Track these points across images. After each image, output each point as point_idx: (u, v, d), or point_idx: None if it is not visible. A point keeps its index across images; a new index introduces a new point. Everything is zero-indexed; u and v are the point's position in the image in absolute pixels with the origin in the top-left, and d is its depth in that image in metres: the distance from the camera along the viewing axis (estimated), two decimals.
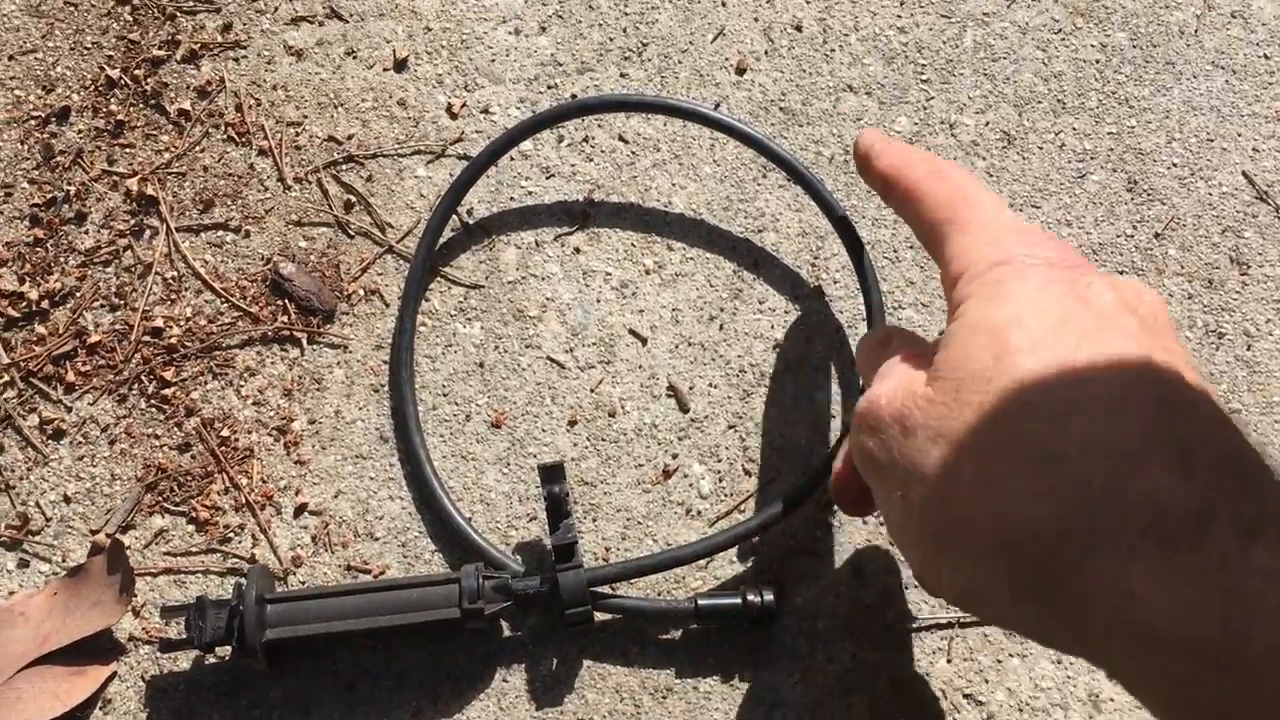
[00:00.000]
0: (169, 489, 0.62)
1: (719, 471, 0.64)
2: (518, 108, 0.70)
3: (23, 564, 0.61)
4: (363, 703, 0.59)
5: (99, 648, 0.59)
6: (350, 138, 0.69)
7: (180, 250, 0.66)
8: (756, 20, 0.72)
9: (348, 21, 0.71)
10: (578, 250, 0.67)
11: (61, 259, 0.66)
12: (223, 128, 0.69)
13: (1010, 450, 0.37)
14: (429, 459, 0.63)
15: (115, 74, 0.69)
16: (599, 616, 0.60)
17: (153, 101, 0.69)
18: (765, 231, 0.68)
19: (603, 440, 0.64)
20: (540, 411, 0.64)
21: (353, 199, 0.68)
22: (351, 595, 0.57)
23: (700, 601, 0.59)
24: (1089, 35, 0.72)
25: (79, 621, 0.59)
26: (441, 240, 0.67)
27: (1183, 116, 0.71)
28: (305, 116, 0.69)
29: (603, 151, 0.69)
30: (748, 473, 0.64)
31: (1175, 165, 0.70)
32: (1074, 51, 0.72)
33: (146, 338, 0.65)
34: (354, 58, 0.70)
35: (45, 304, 0.65)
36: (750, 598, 0.58)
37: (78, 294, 0.65)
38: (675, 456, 0.64)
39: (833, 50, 0.72)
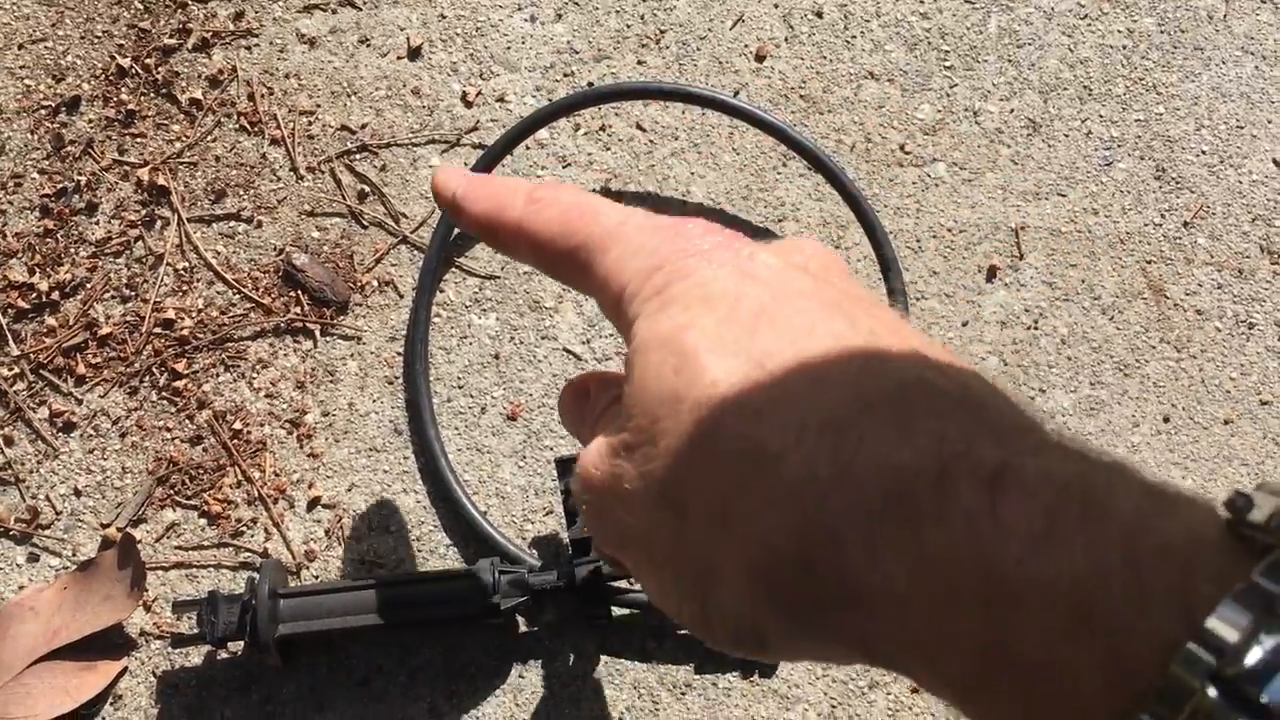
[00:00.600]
0: (180, 482, 0.61)
1: None
2: (534, 96, 0.69)
3: (32, 558, 0.60)
4: (376, 699, 0.58)
5: (109, 643, 0.58)
6: (364, 127, 0.68)
7: (192, 241, 0.65)
8: (776, 6, 0.71)
9: (361, 9, 0.70)
10: None
11: (72, 250, 0.65)
12: (235, 117, 0.68)
13: (726, 467, 0.31)
14: (444, 452, 0.62)
15: (126, 63, 0.68)
16: (616, 612, 0.59)
17: (164, 90, 0.68)
18: (785, 221, 0.67)
19: None
20: (557, 404, 0.63)
21: (366, 189, 0.67)
22: (365, 590, 0.56)
23: None
24: (1116, 20, 0.71)
25: (89, 616, 0.58)
26: (456, 231, 0.66)
27: (1212, 103, 0.70)
28: (318, 105, 0.68)
29: (620, 140, 0.68)
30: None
31: (1204, 153, 0.69)
32: (1100, 37, 0.71)
33: (158, 329, 0.64)
34: (368, 46, 0.69)
35: (55, 295, 0.64)
36: None
37: (88, 285, 0.64)
38: None
39: (854, 37, 0.71)
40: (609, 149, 0.68)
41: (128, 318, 0.64)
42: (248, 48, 0.69)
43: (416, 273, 0.65)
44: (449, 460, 0.62)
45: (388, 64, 0.69)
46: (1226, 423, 0.65)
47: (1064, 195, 0.68)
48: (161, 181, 0.66)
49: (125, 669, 0.58)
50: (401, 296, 0.65)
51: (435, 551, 0.61)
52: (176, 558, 0.60)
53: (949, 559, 0.27)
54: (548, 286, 0.65)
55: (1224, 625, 0.23)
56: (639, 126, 0.69)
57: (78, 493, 0.61)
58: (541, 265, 0.42)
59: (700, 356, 0.32)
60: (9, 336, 0.63)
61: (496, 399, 0.63)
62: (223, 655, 0.58)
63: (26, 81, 0.68)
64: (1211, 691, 0.23)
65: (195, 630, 0.55)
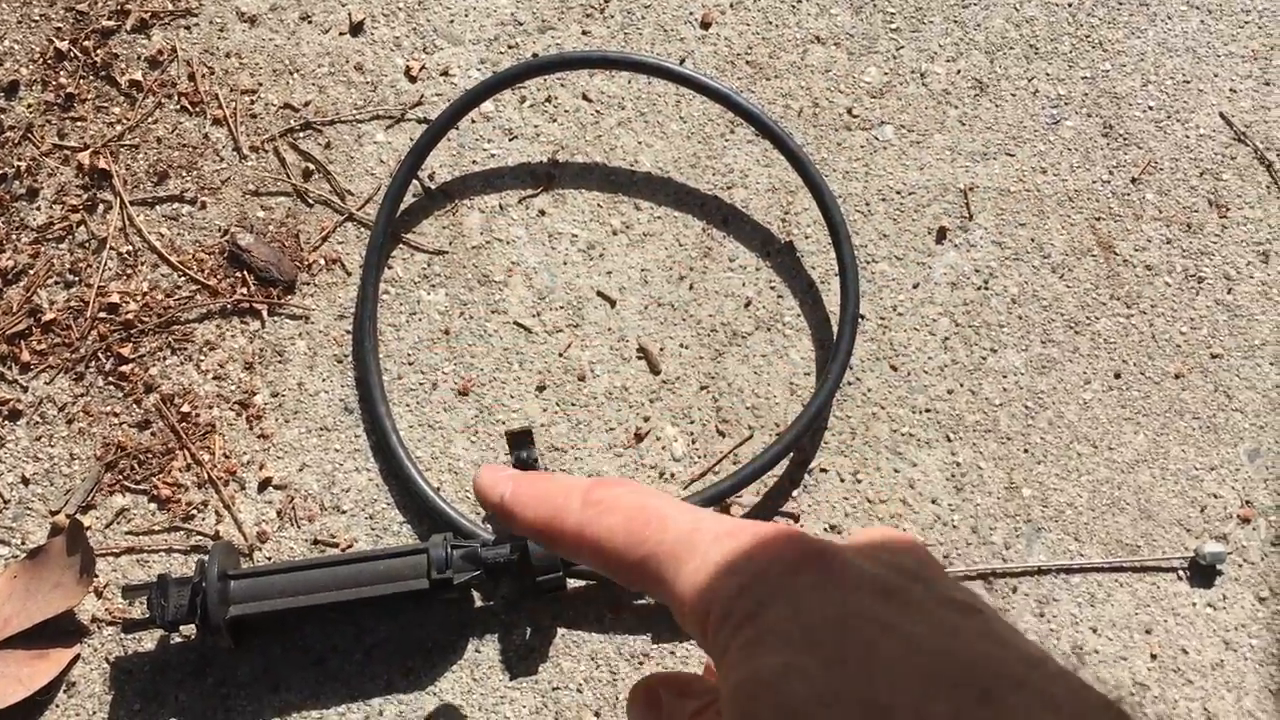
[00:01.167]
0: (129, 467, 0.61)
1: (692, 433, 0.63)
2: (478, 69, 0.68)
3: None
4: (333, 677, 0.58)
5: (61, 630, 0.58)
6: (307, 104, 0.67)
7: (135, 224, 0.65)
8: None
9: None
10: (543, 212, 0.66)
11: (13, 236, 0.64)
12: (175, 98, 0.67)
13: None
14: (395, 429, 0.61)
15: (64, 46, 0.67)
16: (572, 583, 0.58)
17: (103, 73, 0.67)
18: (734, 188, 0.67)
19: (573, 405, 0.63)
20: (508, 377, 0.63)
21: (311, 167, 0.66)
22: (317, 569, 0.56)
23: None
24: None
25: (40, 604, 0.57)
26: (403, 206, 0.65)
27: (1158, 58, 0.70)
28: (260, 84, 0.68)
29: (566, 111, 0.68)
30: (721, 433, 0.62)
31: (1151, 108, 0.69)
32: None
33: (103, 314, 0.63)
34: (309, 22, 0.69)
35: None
36: None
37: (31, 271, 0.63)
38: (647, 419, 0.63)
39: (799, 1, 0.70)
40: (555, 120, 0.68)
41: (72, 303, 0.63)
42: (187, 27, 0.68)
43: (364, 250, 0.65)
44: (400, 437, 0.61)
45: (330, 40, 0.69)
46: (1178, 377, 0.65)
47: (1012, 155, 0.68)
48: (103, 165, 0.65)
49: (78, 656, 0.58)
50: (349, 274, 0.65)
51: (389, 529, 0.61)
52: (127, 543, 0.60)
53: None
54: (496, 260, 0.65)
55: None
56: (585, 97, 0.68)
57: (25, 480, 0.60)
58: (606, 571, 0.38)
59: (809, 711, 0.30)
60: None
61: (447, 374, 0.63)
62: (176, 639, 0.58)
63: None
64: None
65: (147, 615, 0.55)
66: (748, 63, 0.69)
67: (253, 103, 0.67)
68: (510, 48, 0.69)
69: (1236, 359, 0.65)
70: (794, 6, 0.70)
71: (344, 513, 0.61)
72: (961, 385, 0.64)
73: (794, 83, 0.69)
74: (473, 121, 0.67)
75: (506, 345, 0.64)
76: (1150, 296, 0.66)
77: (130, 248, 0.64)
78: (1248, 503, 0.63)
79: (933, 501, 0.62)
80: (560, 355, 0.63)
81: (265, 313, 0.64)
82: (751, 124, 0.65)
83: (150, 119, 0.67)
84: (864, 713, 0.29)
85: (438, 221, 0.66)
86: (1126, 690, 0.56)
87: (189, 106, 0.67)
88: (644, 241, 0.65)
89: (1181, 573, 0.62)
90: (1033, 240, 0.67)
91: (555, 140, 0.67)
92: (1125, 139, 0.68)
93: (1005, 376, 0.64)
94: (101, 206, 0.65)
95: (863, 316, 0.65)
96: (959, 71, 0.69)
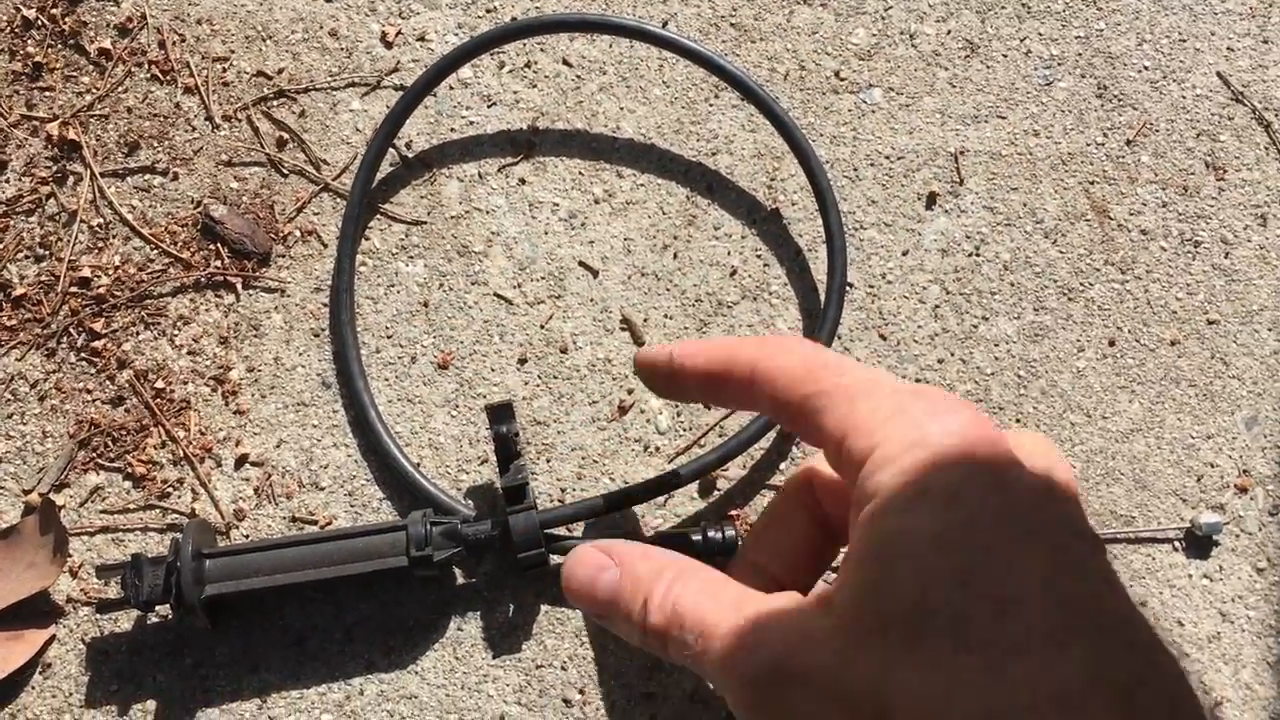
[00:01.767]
0: (103, 445, 0.60)
1: (677, 406, 0.61)
2: (456, 34, 0.67)
3: None
4: (312, 657, 0.57)
5: (36, 610, 0.57)
6: (280, 72, 0.66)
7: (106, 196, 0.63)
8: None
9: None
10: (523, 181, 0.64)
11: None
12: (146, 66, 0.65)
13: (956, 703, 0.31)
14: (373, 404, 0.60)
15: (31, 14, 0.66)
16: (555, 559, 0.57)
17: (71, 41, 0.66)
18: (719, 154, 0.65)
19: (555, 377, 0.61)
20: (489, 350, 0.62)
21: (285, 136, 0.65)
22: (295, 547, 0.55)
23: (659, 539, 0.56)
24: None
25: (13, 585, 0.56)
26: (380, 176, 0.64)
27: (1153, 16, 0.68)
28: (232, 51, 0.66)
29: (546, 76, 0.66)
30: (707, 406, 0.61)
31: (1146, 68, 0.67)
32: None
33: (74, 289, 0.62)
34: None
35: None
36: (710, 534, 0.56)
37: (0, 245, 0.62)
38: (631, 392, 0.61)
39: None
40: (535, 86, 0.66)
41: (42, 278, 0.62)
42: None
43: (340, 221, 0.63)
44: (379, 412, 0.60)
45: (303, 5, 0.67)
46: (1173, 344, 0.64)
47: (1004, 117, 0.66)
48: (72, 136, 0.64)
49: (53, 637, 0.57)
50: (325, 246, 0.63)
51: (368, 506, 0.59)
52: (102, 522, 0.59)
53: None
54: (475, 231, 0.63)
55: None
56: (565, 62, 0.66)
57: None
58: (765, 407, 0.41)
59: (948, 585, 0.32)
60: None
61: (427, 348, 0.62)
62: (153, 620, 0.57)
63: None
64: None
65: (121, 595, 0.54)
66: (732, 25, 0.67)
67: (225, 71, 0.66)
68: (488, 11, 0.67)
69: (1234, 325, 0.64)
70: None
71: (322, 489, 0.59)
72: (952, 354, 0.63)
73: (780, 45, 0.67)
74: (450, 88, 0.66)
75: (487, 317, 0.62)
76: (1145, 261, 0.65)
77: (101, 220, 0.63)
78: (1245, 472, 0.62)
79: None
80: (542, 327, 0.62)
81: (240, 286, 0.62)
82: (736, 88, 0.64)
83: (120, 88, 0.65)
84: (993, 601, 0.31)
85: (415, 191, 0.64)
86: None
87: (160, 75, 0.65)
88: (626, 210, 0.64)
89: (1177, 544, 0.61)
90: (1025, 205, 0.65)
91: (535, 106, 0.66)
92: (1120, 100, 0.67)
93: (997, 345, 0.63)
94: (71, 178, 0.63)
95: (851, 285, 0.63)
96: (949, 32, 0.67)
